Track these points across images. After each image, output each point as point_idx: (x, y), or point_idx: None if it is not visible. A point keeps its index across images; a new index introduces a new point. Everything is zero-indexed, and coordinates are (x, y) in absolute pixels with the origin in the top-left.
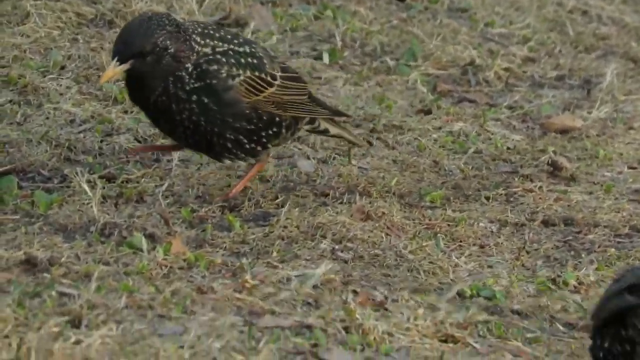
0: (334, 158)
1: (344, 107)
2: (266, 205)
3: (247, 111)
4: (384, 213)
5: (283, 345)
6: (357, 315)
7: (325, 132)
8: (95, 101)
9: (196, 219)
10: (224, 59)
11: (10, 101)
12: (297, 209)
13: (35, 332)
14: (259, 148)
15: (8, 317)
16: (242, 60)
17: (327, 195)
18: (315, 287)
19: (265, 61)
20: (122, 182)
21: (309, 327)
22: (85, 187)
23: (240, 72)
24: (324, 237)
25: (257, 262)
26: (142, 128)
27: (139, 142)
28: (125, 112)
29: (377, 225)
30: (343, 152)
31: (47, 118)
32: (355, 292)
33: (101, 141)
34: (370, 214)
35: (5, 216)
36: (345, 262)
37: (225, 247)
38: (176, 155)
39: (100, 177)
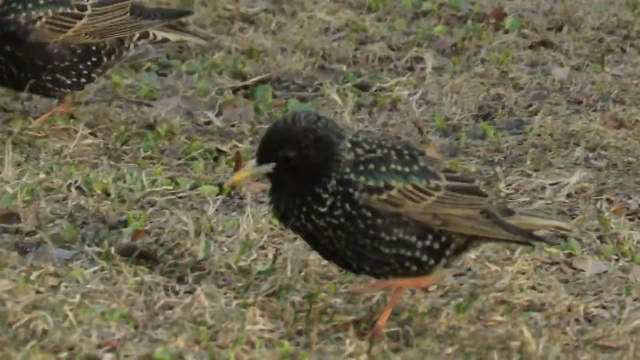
0: (587, 65)
1: (596, 13)
2: (520, 112)
3: (56, 50)
4: (637, 120)
5: (538, 255)
6: (612, 225)
7: (165, 41)
8: (349, 9)
9: (450, 127)
10: (20, 5)
11: (265, 10)
12: (550, 117)
13: (290, 242)
14: (82, 80)
15: (264, 228)
16: (41, 1)
17: (580, 102)
18: (569, 195)
19: None
20: (376, 90)
21: (564, 237)
22: (336, 97)
23: (41, 13)
24: (577, 144)
25: (510, 171)
26: (395, 36)
27: (393, 50)
28: (379, 20)
29: (630, 132)
30: (596, 59)
31: (302, 27)
32: (609, 200)
33: (355, 49)
34: (624, 121)
35: (260, 125)
36: (599, 170)
37: (479, 155)
38: (429, 63)
39: (355, 86)
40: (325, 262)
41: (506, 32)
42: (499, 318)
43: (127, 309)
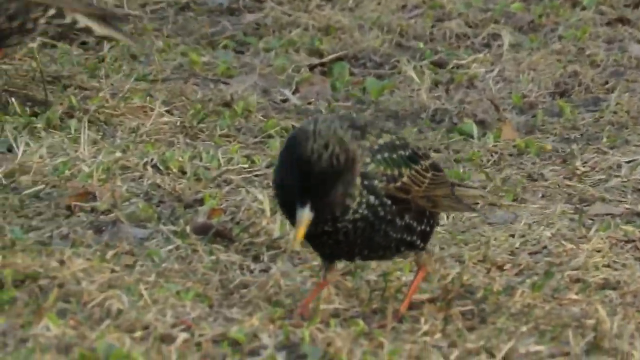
0: None
1: None
2: (596, 90)
3: None
4: None
5: (613, 232)
6: None
7: (88, 31)
8: None
9: (526, 105)
10: None
11: None
12: (627, 94)
13: None
14: None
15: None
16: None
17: None
18: None
19: None
20: (453, 67)
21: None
22: (413, 74)
23: None
24: None
25: (587, 148)
26: (472, 13)
27: (470, 27)
28: None
29: None
30: None
31: (379, 4)
32: None
33: (432, 26)
34: None
35: (337, 103)
36: None
37: (556, 133)
38: (506, 39)
39: (431, 63)
40: None
41: (583, 8)
42: (574, 296)
43: (202, 288)
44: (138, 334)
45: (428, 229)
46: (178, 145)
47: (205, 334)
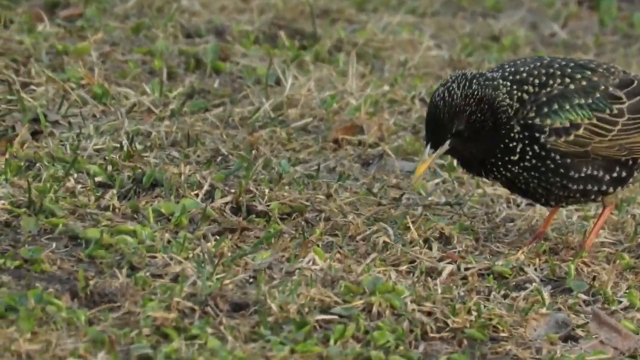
0: None
1: None
2: None
3: None
4: None
5: None
6: None
7: None
8: None
9: None
10: None
11: None
12: None
13: None
14: None
15: None
16: None
17: None
18: None
19: None
20: None
21: None
22: None
23: None
24: None
25: None
26: None
27: None
28: None
29: None
30: None
31: None
32: None
33: None
34: None
35: (605, 37)
36: None
37: None
38: None
39: None
40: None
41: None
42: None
43: (468, 221)
44: (404, 267)
45: (624, 174)
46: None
47: (471, 267)
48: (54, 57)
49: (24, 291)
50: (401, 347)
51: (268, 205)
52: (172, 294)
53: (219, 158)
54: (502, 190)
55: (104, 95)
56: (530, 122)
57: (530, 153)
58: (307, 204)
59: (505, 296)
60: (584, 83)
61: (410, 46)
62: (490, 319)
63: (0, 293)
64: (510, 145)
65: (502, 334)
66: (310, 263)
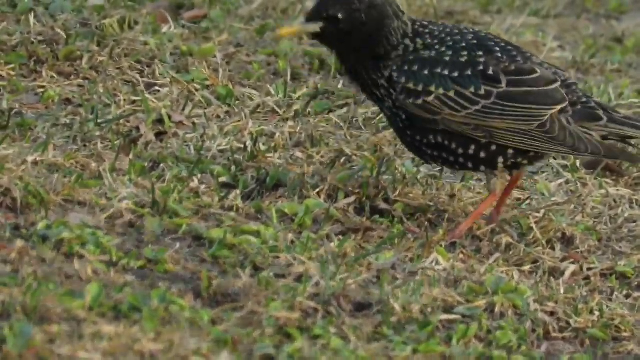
0: None
1: None
2: None
3: None
4: None
5: None
6: None
7: None
8: None
9: None
10: None
11: None
12: None
13: None
14: None
15: None
16: None
17: None
18: None
19: None
20: None
21: None
22: None
23: None
24: None
25: None
26: None
27: None
28: None
29: None
30: None
31: None
32: None
33: None
34: None
35: None
36: None
37: None
38: None
39: None
40: None
41: None
42: None
43: (591, 221)
44: (526, 267)
45: (484, 155)
46: None
47: (593, 267)
48: (178, 58)
49: (148, 291)
50: (523, 347)
51: (392, 206)
52: (295, 294)
53: (343, 159)
54: (625, 191)
55: (228, 96)
56: (393, 74)
57: (388, 102)
58: (431, 204)
59: (627, 296)
60: (464, 59)
61: (533, 47)
62: (613, 319)
63: (124, 293)
64: (378, 82)
65: (625, 334)
66: (434, 263)
